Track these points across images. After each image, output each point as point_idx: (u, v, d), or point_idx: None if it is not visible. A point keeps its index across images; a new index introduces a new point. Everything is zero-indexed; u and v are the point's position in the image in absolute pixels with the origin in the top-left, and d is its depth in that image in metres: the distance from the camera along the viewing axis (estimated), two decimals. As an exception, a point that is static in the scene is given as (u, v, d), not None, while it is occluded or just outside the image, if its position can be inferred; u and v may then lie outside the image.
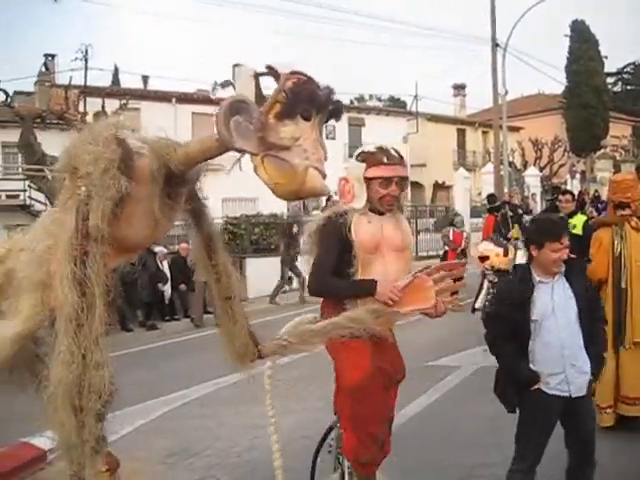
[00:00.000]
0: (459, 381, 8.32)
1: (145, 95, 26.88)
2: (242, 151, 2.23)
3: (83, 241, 2.22)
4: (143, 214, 2.39)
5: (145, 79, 33.84)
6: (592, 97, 45.84)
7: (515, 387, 4.35)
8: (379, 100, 52.73)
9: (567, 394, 4.19)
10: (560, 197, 9.47)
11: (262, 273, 17.42)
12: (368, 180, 3.86)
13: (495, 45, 28.70)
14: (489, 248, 11.11)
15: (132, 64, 76.66)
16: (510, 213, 15.06)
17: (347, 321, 3.28)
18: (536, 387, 4.20)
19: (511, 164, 33.83)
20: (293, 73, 2.28)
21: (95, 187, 2.24)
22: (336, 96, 2.40)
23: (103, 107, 16.57)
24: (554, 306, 4.23)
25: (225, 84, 2.42)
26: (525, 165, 39.69)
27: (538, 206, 28.16)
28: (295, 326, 3.52)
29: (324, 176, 2.31)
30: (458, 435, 6.32)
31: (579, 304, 4.21)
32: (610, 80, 59.87)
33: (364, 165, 3.87)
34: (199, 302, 14.44)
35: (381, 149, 3.91)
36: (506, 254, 10.83)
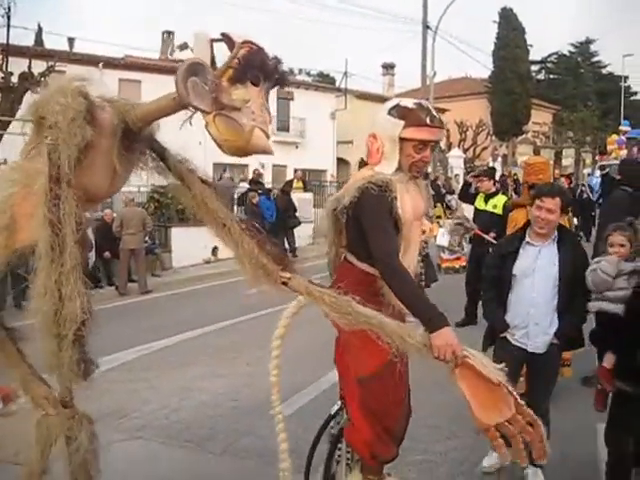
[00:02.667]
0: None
1: (71, 58, 26.24)
2: (197, 109, 2.47)
3: (54, 185, 2.42)
4: (103, 165, 2.60)
5: (71, 41, 32.90)
6: (516, 84, 46.98)
7: (490, 329, 4.99)
8: (308, 75, 52.66)
9: (525, 347, 4.66)
10: (482, 178, 9.92)
11: (188, 243, 17.44)
12: (402, 140, 3.33)
13: (426, 27, 29.16)
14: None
15: (57, 25, 74.14)
16: (433, 192, 15.57)
17: (397, 330, 2.98)
18: (503, 335, 4.74)
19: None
20: (246, 42, 2.51)
21: (63, 135, 2.43)
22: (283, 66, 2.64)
23: (30, 68, 16.13)
24: (535, 267, 4.70)
25: (183, 47, 2.62)
26: (449, 146, 40.50)
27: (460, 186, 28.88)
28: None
29: (268, 136, 2.59)
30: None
31: (561, 272, 4.64)
32: (534, 68, 61.55)
33: (402, 123, 3.30)
34: (124, 270, 14.37)
35: (421, 106, 3.39)
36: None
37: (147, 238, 15.83)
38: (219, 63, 2.55)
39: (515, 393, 3.00)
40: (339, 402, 3.79)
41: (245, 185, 21.25)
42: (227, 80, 2.48)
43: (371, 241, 3.20)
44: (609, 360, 4.42)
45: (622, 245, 4.50)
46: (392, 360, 3.10)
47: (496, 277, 4.89)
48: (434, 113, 3.40)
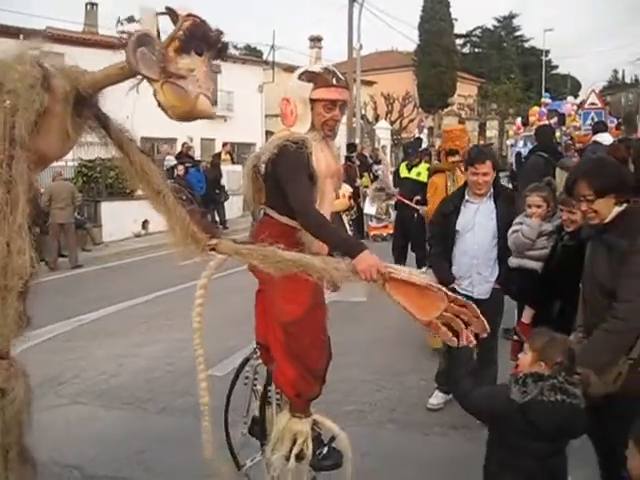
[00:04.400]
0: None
1: (-9, 29, 25.45)
2: (145, 77, 2.68)
3: (9, 147, 2.58)
4: (57, 129, 2.76)
5: (-11, 12, 31.92)
6: (442, 57, 47.63)
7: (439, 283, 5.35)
8: (236, 48, 52.21)
9: (472, 295, 5.05)
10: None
11: (117, 217, 17.39)
12: (312, 102, 3.57)
13: (352, 0, 29.34)
14: None
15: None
16: (358, 163, 15.94)
17: (323, 266, 3.19)
18: (451, 286, 5.01)
19: (363, 117, 34.86)
20: (189, 15, 2.74)
21: (21, 100, 2.58)
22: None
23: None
24: (475, 223, 5.17)
25: (130, 19, 2.81)
26: (377, 118, 40.96)
27: (388, 157, 29.36)
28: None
29: (212, 102, 2.85)
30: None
31: (499, 225, 5.07)
32: (459, 42, 62.50)
33: (311, 85, 3.56)
34: (53, 245, 14.25)
35: (327, 70, 3.65)
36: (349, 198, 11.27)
37: (76, 213, 15.69)
38: (163, 35, 2.76)
39: (440, 287, 3.25)
40: (254, 345, 4.12)
41: (171, 158, 21.20)
42: (173, 50, 2.69)
43: (289, 193, 3.43)
44: (527, 315, 4.82)
45: (539, 206, 4.81)
46: (312, 307, 3.52)
47: (441, 234, 5.34)
48: (339, 75, 3.66)
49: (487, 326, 3.28)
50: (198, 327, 3.79)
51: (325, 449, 3.79)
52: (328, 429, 3.85)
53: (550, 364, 3.05)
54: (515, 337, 4.96)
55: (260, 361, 4.11)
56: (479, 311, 3.27)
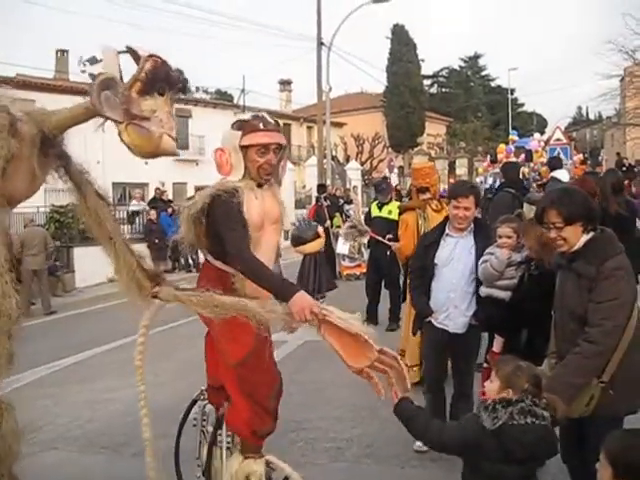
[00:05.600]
0: (285, 355, 8.95)
1: (-41, 78, 25.51)
2: (110, 119, 2.81)
3: None
4: (24, 171, 2.87)
5: (-43, 60, 32.01)
6: (410, 97, 48.51)
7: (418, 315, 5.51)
8: (206, 93, 52.63)
9: (447, 328, 5.15)
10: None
11: (91, 262, 17.26)
12: (245, 149, 3.67)
13: (320, 44, 29.79)
14: None
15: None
16: (327, 203, 16.09)
17: (259, 309, 3.29)
18: (428, 319, 5.25)
19: (334, 158, 35.18)
20: (151, 56, 2.85)
21: None
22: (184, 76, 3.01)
23: None
24: (454, 257, 5.22)
25: (92, 61, 2.89)
26: (347, 159, 41.34)
27: (359, 197, 29.60)
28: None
29: (175, 140, 2.97)
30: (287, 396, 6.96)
31: (477, 260, 5.10)
32: (427, 82, 63.61)
33: (239, 133, 3.67)
34: (25, 292, 14.12)
35: (256, 116, 3.77)
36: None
37: (51, 259, 15.61)
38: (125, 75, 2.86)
39: (368, 338, 3.28)
40: (202, 388, 4.27)
41: (136, 203, 21.38)
42: (136, 92, 2.81)
43: (225, 241, 3.53)
44: (498, 343, 4.90)
45: (509, 237, 4.93)
46: (256, 347, 3.65)
47: (421, 267, 5.41)
48: (268, 119, 3.76)
49: (409, 388, 3.42)
50: (139, 365, 3.94)
51: None
52: (281, 469, 3.90)
53: (517, 391, 3.12)
54: (485, 365, 5.04)
55: (207, 402, 4.23)
56: (405, 372, 3.40)
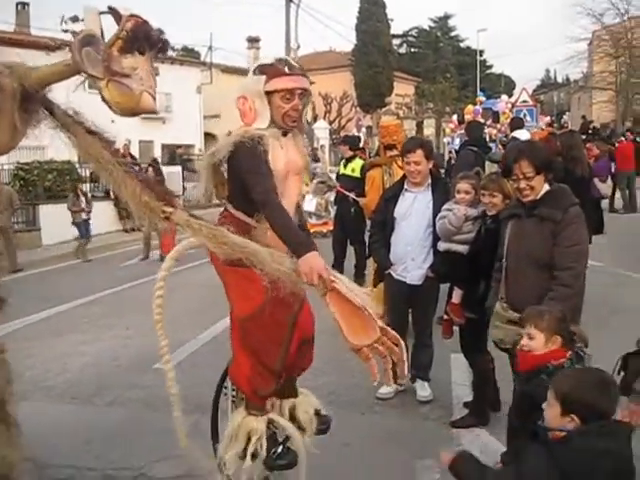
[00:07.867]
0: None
1: None
2: (91, 75, 2.86)
3: None
4: (5, 124, 2.92)
5: None
6: (378, 57, 48.33)
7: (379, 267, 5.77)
8: (173, 50, 51.79)
9: (405, 280, 5.42)
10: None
11: (56, 220, 17.22)
12: (269, 94, 3.45)
13: (289, 1, 29.57)
14: None
15: None
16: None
17: (267, 258, 3.16)
18: (387, 272, 5.54)
19: (302, 117, 34.96)
20: (132, 16, 2.92)
21: None
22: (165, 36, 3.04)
23: None
24: (412, 211, 5.48)
25: (74, 19, 2.98)
26: (315, 118, 41.24)
27: (327, 156, 29.67)
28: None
29: (154, 98, 3.03)
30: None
31: (434, 214, 5.33)
32: (396, 42, 63.28)
33: (263, 77, 3.45)
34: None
35: (280, 60, 3.56)
36: None
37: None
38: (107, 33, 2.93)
39: (374, 315, 3.12)
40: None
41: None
42: (117, 50, 2.87)
43: (250, 185, 3.35)
44: (457, 295, 5.13)
45: (467, 192, 5.13)
46: (266, 304, 3.37)
47: (381, 221, 5.65)
48: (292, 63, 3.58)
49: (405, 372, 3.51)
50: (159, 319, 3.61)
51: (280, 448, 3.72)
52: (283, 428, 3.78)
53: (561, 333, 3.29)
54: (445, 316, 5.26)
55: None
56: (405, 356, 3.27)
